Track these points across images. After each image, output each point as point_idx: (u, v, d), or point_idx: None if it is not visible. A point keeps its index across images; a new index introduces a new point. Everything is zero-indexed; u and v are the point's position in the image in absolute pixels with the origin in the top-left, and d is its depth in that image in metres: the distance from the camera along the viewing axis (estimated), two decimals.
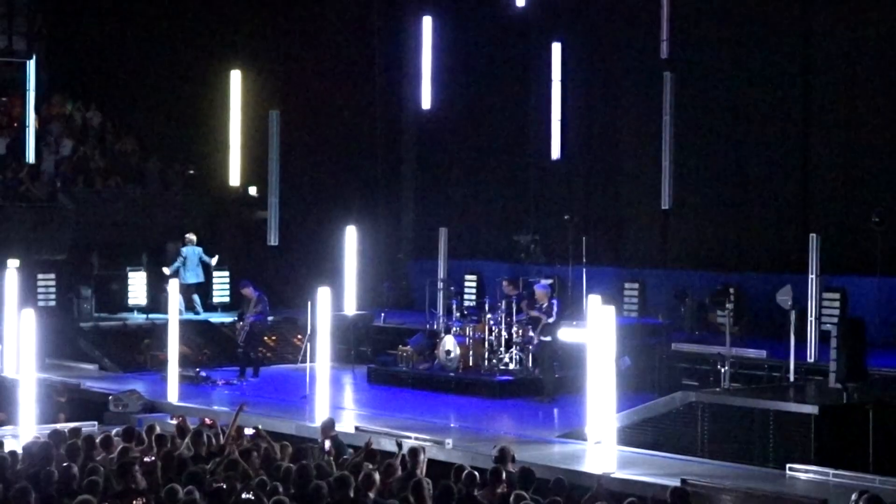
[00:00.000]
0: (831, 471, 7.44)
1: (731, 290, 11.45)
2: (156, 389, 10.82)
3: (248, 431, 7.67)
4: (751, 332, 11.67)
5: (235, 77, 14.33)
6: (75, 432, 6.99)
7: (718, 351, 9.81)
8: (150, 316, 13.77)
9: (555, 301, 10.76)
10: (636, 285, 13.74)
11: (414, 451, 6.36)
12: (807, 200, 13.13)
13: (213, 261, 14.33)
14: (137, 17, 17.20)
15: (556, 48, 14.75)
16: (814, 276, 10.11)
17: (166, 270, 13.98)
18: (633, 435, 8.69)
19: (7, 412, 9.77)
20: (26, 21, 16.14)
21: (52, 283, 13.98)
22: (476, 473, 5.77)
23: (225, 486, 5.35)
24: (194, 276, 14.16)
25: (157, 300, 13.71)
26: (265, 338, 12.90)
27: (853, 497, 5.18)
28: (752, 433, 8.49)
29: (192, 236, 14.38)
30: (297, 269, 14.45)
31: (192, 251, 14.23)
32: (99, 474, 5.54)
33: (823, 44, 13.65)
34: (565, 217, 12.64)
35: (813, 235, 10.50)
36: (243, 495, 5.27)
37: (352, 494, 5.18)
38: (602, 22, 15.17)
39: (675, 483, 6.52)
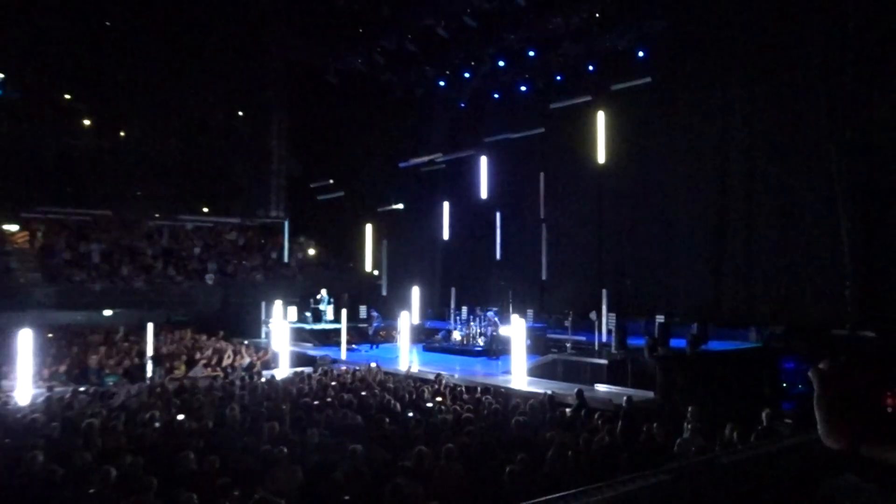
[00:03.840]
0: (613, 388, 15.97)
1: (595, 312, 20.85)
2: (334, 352, 21.39)
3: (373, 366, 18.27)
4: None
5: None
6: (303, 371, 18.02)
7: (567, 338, 19.52)
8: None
9: (497, 318, 21.20)
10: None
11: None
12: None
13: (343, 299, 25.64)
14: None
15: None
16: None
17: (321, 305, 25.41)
18: (533, 373, 18.21)
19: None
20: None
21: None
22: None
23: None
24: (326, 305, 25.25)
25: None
26: (381, 332, 23.99)
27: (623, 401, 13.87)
28: (581, 372, 18.08)
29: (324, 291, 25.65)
30: (395, 304, 24.92)
31: (326, 296, 25.33)
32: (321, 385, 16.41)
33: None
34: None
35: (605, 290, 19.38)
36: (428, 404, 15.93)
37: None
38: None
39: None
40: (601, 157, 22.05)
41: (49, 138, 27.27)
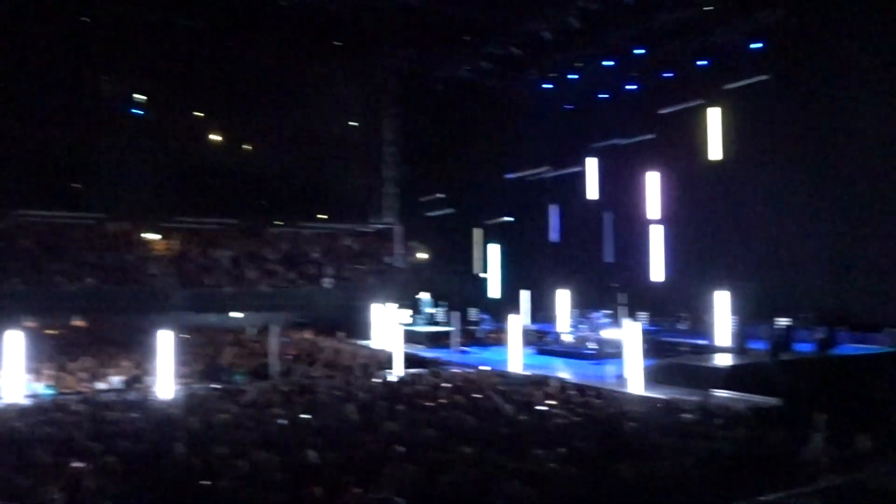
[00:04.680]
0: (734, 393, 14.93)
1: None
2: (445, 354, 21.64)
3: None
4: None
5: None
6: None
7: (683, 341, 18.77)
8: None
9: (607, 321, 20.67)
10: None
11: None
12: None
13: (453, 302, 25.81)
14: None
15: None
16: None
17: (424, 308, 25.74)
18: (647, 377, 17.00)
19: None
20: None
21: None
22: None
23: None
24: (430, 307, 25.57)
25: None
26: (491, 334, 24.02)
27: None
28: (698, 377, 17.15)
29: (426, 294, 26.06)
30: (505, 307, 24.55)
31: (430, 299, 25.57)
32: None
33: None
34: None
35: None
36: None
37: None
38: None
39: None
40: (716, 155, 21.13)
41: (183, 154, 29.20)
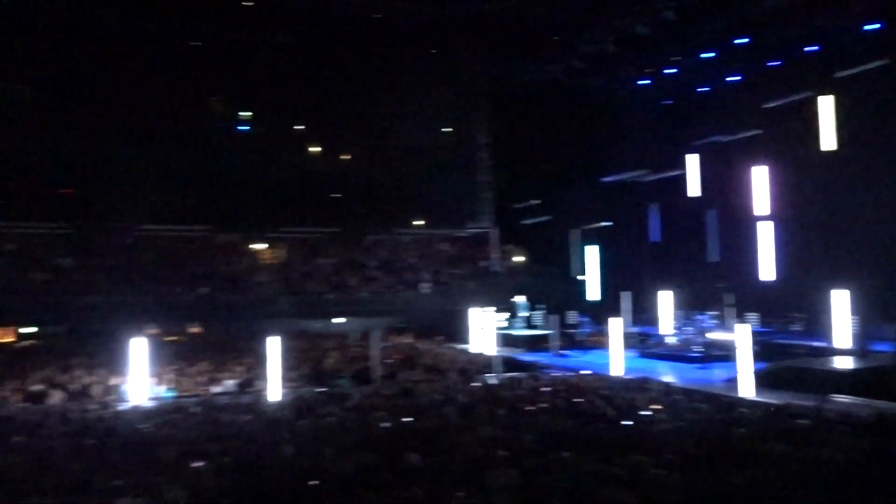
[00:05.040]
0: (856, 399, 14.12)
1: None
2: (544, 358, 21.68)
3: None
4: None
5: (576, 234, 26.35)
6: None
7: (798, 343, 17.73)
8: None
9: (714, 322, 19.83)
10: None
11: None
12: None
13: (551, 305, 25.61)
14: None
15: None
16: None
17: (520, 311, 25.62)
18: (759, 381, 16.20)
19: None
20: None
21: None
22: None
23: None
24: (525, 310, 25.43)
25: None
26: (591, 337, 23.65)
27: None
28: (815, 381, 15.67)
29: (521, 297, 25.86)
30: (605, 309, 24.30)
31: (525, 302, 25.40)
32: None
33: None
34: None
35: None
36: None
37: None
38: None
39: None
40: (829, 145, 19.93)
41: (286, 167, 30.44)
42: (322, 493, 7.37)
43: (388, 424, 11.03)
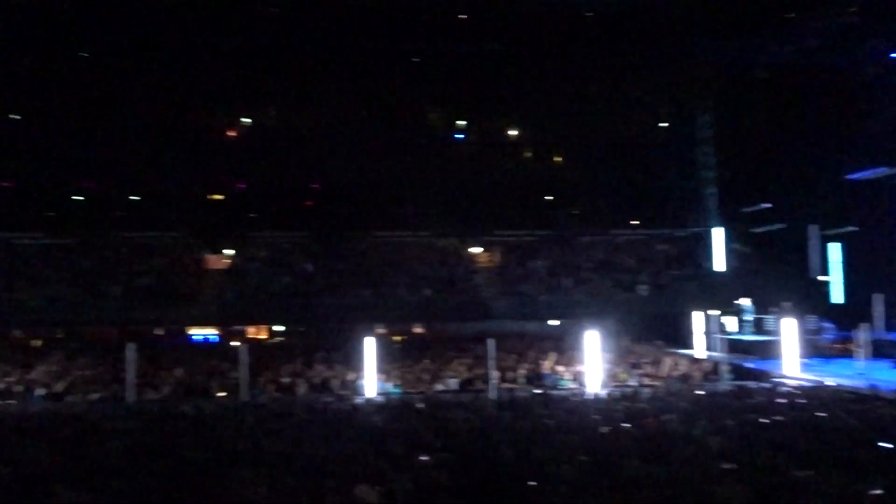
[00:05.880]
0: None
1: None
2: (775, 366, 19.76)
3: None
4: None
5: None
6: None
7: None
8: None
9: None
10: None
11: None
12: None
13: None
14: None
15: None
16: None
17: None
18: None
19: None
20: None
21: None
22: None
23: None
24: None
25: None
26: (834, 345, 21.26)
27: None
28: None
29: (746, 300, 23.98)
30: (851, 313, 21.95)
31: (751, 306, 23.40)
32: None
33: None
34: None
35: None
36: None
37: None
38: None
39: None
40: None
41: (499, 171, 31.17)
42: (539, 496, 7.43)
43: (606, 429, 10.82)
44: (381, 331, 24.22)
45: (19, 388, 18.66)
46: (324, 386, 18.68)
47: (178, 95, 29.12)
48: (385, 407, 14.43)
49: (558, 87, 30.27)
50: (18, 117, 28.30)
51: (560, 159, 32.49)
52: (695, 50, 28.51)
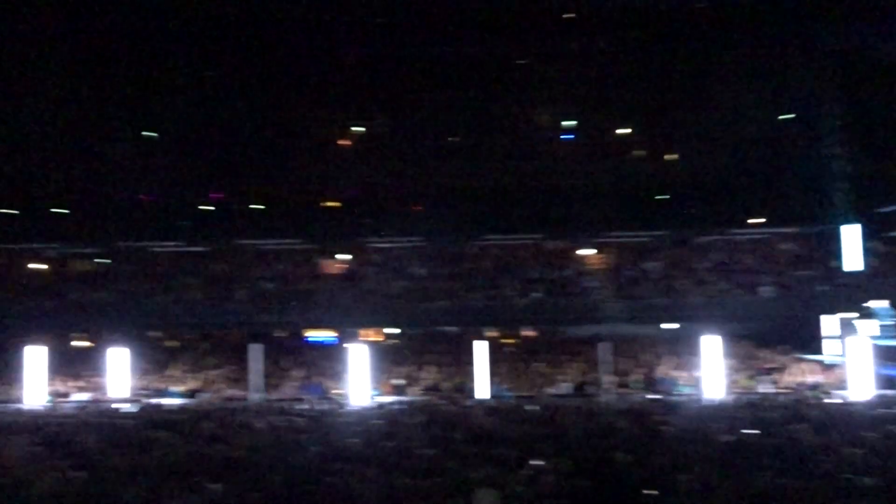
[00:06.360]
0: None
1: None
2: None
3: None
4: None
5: None
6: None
7: None
8: None
9: None
10: None
11: None
12: None
13: None
14: None
15: None
16: None
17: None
18: None
19: None
20: None
21: None
22: None
23: None
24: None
25: None
26: None
27: None
28: None
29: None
30: None
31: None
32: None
33: None
34: None
35: None
36: None
37: None
38: None
39: None
40: None
41: (611, 171, 30.36)
42: None
43: (730, 438, 10.26)
44: (490, 334, 24.16)
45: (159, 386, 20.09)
46: (434, 388, 18.90)
47: (299, 109, 30.30)
48: (496, 410, 14.38)
49: (673, 80, 29.16)
50: (155, 135, 30.40)
51: (674, 157, 31.24)
52: (819, 35, 26.70)
